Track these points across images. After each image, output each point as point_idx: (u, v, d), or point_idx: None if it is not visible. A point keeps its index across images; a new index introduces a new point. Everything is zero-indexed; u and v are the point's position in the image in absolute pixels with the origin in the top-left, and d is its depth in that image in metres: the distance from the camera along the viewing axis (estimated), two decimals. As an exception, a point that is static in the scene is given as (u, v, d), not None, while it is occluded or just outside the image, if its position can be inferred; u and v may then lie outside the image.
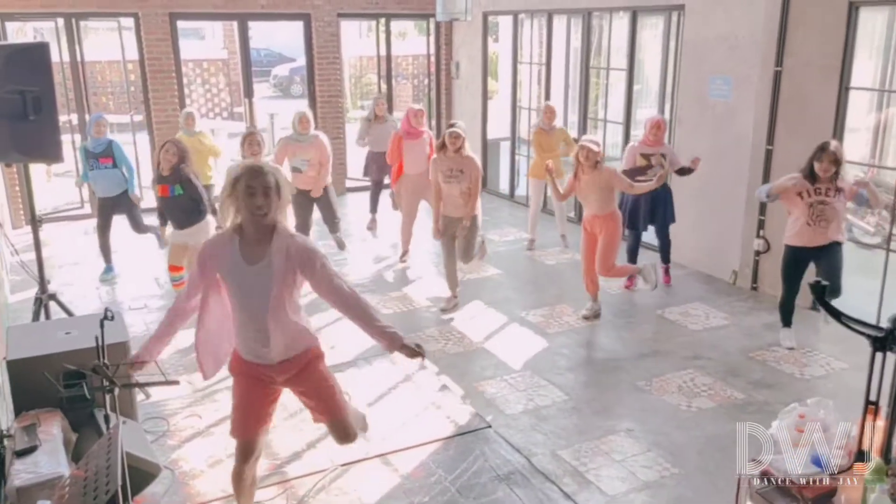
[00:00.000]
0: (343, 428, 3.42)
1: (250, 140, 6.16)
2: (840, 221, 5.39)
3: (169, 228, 6.29)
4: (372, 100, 9.29)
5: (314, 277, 3.11)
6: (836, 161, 5.13)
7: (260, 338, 3.12)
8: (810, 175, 5.23)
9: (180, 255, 6.23)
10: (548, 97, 9.57)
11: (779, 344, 5.70)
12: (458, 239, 6.36)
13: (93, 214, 9.39)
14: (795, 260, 5.51)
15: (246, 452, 3.28)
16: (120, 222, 7.40)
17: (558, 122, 8.07)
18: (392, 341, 3.17)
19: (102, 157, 7.05)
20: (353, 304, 3.17)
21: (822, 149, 5.19)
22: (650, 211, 6.73)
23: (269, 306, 3.05)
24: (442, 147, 6.17)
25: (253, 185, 2.98)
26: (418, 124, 7.51)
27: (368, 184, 8.97)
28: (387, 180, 8.47)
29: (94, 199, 7.98)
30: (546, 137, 7.84)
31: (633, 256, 6.92)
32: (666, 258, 7.06)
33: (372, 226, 8.58)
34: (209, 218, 6.16)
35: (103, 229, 7.25)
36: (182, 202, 6.00)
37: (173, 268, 6.31)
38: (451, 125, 6.28)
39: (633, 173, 6.40)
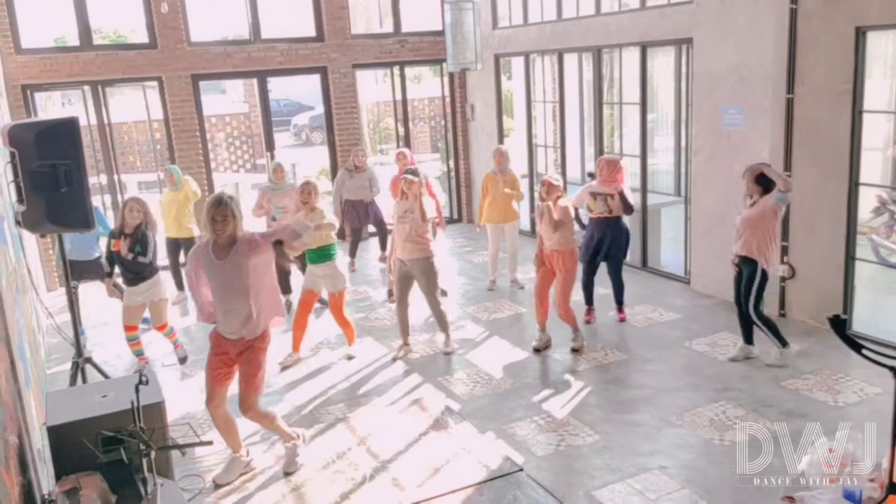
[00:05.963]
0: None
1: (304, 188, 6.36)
2: (755, 237, 5.53)
3: (122, 290, 6.46)
4: (353, 152, 9.40)
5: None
6: (750, 170, 5.54)
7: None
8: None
9: (137, 315, 6.46)
10: (563, 133, 9.67)
11: (811, 372, 5.67)
12: (420, 279, 6.32)
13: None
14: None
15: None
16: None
17: (515, 167, 8.20)
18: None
19: None
20: None
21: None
22: (596, 249, 6.82)
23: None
24: (402, 193, 6.33)
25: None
26: (403, 166, 8.13)
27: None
28: (371, 228, 9.34)
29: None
30: (494, 181, 7.95)
31: (588, 292, 7.07)
32: (619, 300, 7.05)
33: (352, 268, 9.12)
34: (160, 275, 6.42)
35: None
36: (137, 261, 6.18)
37: (130, 328, 6.47)
38: (408, 170, 6.54)
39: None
